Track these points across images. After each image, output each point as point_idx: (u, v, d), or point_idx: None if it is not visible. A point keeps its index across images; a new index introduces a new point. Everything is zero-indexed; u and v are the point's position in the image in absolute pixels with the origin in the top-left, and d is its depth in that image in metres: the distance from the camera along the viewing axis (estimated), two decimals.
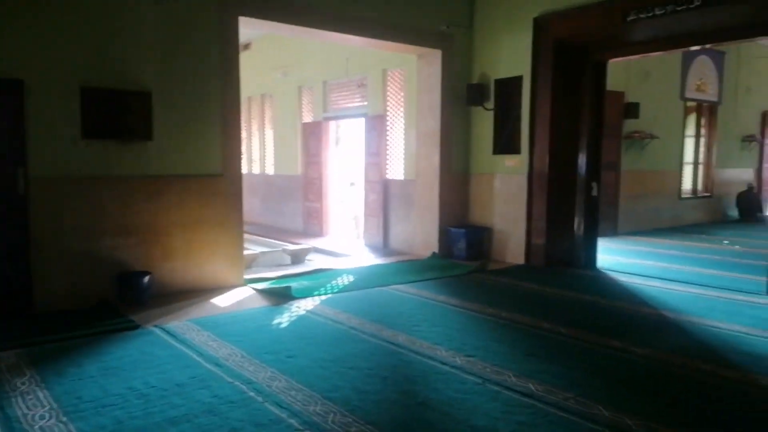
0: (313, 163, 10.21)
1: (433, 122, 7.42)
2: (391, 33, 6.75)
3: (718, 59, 11.60)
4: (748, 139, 12.71)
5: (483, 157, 7.43)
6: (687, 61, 10.92)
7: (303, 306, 4.97)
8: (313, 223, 10.28)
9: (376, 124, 8.63)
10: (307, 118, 10.48)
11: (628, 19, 5.74)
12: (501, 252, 7.22)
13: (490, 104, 7.28)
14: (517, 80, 6.94)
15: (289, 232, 10.44)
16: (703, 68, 11.32)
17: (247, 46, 11.22)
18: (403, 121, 8.27)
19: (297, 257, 7.57)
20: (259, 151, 11.91)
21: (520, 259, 6.95)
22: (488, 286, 5.79)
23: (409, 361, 3.61)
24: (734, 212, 12.31)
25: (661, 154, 10.59)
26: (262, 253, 7.62)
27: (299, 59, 10.38)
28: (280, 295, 5.29)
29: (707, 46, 7.73)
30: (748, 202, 12.20)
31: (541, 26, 6.59)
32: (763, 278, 5.96)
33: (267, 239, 9.29)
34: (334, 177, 10.18)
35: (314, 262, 7.55)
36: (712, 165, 11.95)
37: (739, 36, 5.55)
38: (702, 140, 11.88)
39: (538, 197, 6.74)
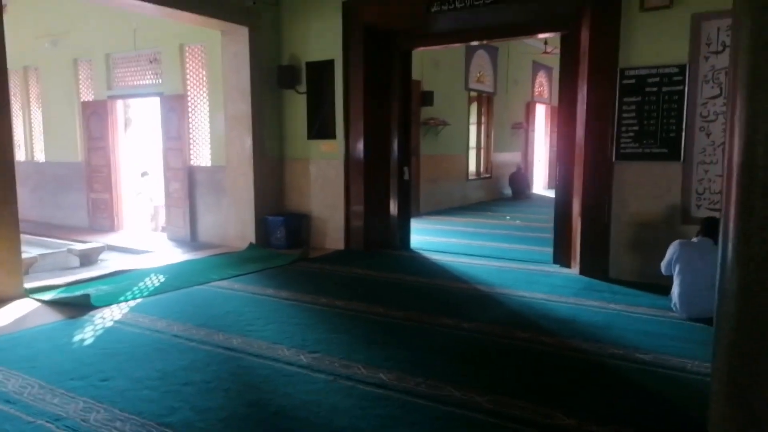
0: (97, 149, 8.93)
1: (243, 105, 6.98)
2: (187, 2, 6.12)
3: (493, 54, 12.98)
4: (516, 126, 14.53)
5: (298, 142, 7.23)
6: (469, 54, 12.00)
7: (108, 316, 4.28)
8: (101, 216, 9.04)
9: (175, 105, 7.84)
10: (87, 96, 9.11)
11: (432, 10, 6.01)
12: (321, 238, 7.14)
13: (303, 87, 7.09)
14: (329, 64, 6.86)
15: (71, 228, 9.03)
16: (481, 62, 12.56)
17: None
18: (208, 103, 7.64)
19: (87, 258, 6.56)
20: (25, 135, 10.05)
21: (339, 245, 6.95)
22: (314, 275, 5.66)
23: (250, 367, 3.31)
24: (508, 191, 14.02)
25: (452, 140, 11.53)
26: (42, 255, 6.45)
27: (73, 26, 8.94)
28: (77, 306, 4.49)
29: (495, 40, 8.49)
30: (518, 181, 13.99)
31: (350, 10, 6.58)
32: (547, 249, 6.85)
33: (44, 238, 7.91)
34: (126, 164, 9.04)
35: (110, 262, 6.62)
36: (491, 149, 13.41)
37: (525, 32, 6.20)
38: (483, 127, 13.23)
39: (356, 182, 6.79)
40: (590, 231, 5.36)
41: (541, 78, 15.84)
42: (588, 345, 3.60)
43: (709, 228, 4.11)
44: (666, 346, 3.55)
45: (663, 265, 4.31)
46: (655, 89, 4.96)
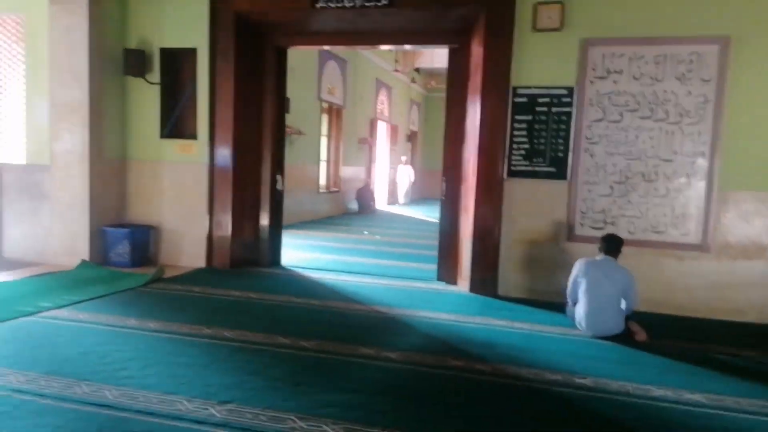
0: None
1: (77, 91, 5.71)
2: None
3: (343, 67, 12.81)
4: (362, 141, 14.52)
5: (147, 141, 6.14)
6: (321, 63, 11.65)
7: None
8: None
9: None
10: None
11: (317, 5, 5.53)
12: (174, 255, 6.11)
13: (155, 77, 6.05)
14: (190, 53, 5.95)
15: None
16: (332, 73, 12.29)
17: None
18: (24, 86, 6.14)
19: None
20: None
21: (199, 262, 6.01)
22: (182, 299, 4.73)
23: None
24: (354, 205, 13.89)
25: (305, 150, 11.01)
26: None
27: None
28: None
29: (378, 46, 8.19)
30: (364, 196, 13.95)
31: None
32: (422, 264, 6.72)
33: None
34: None
35: None
36: (339, 163, 13.16)
37: (415, 41, 6.00)
38: (333, 140, 12.94)
39: (222, 190, 5.94)
40: (481, 248, 5.29)
41: (383, 96, 16.11)
42: (525, 371, 3.39)
43: (611, 246, 4.24)
44: (596, 368, 3.49)
45: (569, 284, 4.33)
46: (545, 109, 5.08)
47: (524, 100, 5.11)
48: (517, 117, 5.14)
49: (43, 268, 5.68)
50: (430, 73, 17.78)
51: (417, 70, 17.40)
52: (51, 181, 5.90)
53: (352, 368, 3.33)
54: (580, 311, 4.19)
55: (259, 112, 6.15)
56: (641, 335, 4.05)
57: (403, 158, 17.42)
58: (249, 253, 6.18)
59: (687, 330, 4.44)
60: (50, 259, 5.91)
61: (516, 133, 5.16)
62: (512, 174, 5.19)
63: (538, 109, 5.09)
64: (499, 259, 5.27)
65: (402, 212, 14.67)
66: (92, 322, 3.95)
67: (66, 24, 5.68)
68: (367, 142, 14.85)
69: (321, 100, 11.76)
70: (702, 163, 4.78)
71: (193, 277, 5.57)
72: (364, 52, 13.90)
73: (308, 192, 11.40)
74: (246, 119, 6.02)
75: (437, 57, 15.86)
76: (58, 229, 5.89)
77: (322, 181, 12.43)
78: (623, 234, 4.76)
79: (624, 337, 4.07)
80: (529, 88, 5.10)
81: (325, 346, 3.66)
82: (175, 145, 6.07)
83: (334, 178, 13.08)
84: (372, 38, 6.02)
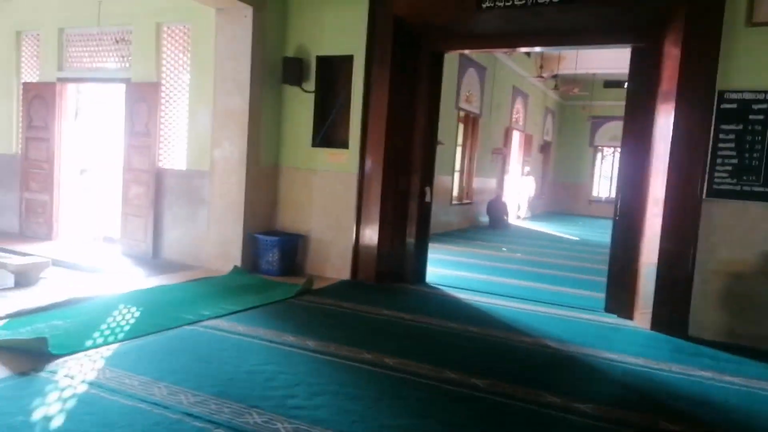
0: (38, 140, 7.38)
1: (239, 99, 5.77)
2: None
3: (482, 74, 12.31)
4: (496, 151, 13.89)
5: (299, 149, 6.08)
6: (461, 70, 11.24)
7: (77, 372, 2.98)
8: (37, 222, 7.44)
9: (146, 95, 6.49)
10: (31, 76, 7.56)
11: (484, 5, 5.11)
12: (320, 265, 5.98)
13: (311, 85, 5.97)
14: (347, 60, 5.79)
15: None
16: (471, 80, 11.84)
17: None
18: (188, 94, 6.35)
19: (25, 276, 5.09)
20: None
21: (344, 274, 5.81)
22: (334, 315, 4.50)
23: None
24: (485, 218, 13.28)
25: (440, 160, 10.63)
26: None
27: None
28: (27, 353, 3.15)
29: (549, 48, 7.64)
30: (497, 209, 13.29)
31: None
32: (582, 291, 6.02)
33: None
34: (71, 160, 7.52)
35: (54, 282, 5.18)
36: (473, 174, 12.65)
37: (592, 41, 5.40)
38: (467, 150, 12.47)
39: (371, 201, 5.71)
40: (668, 279, 4.54)
41: (518, 104, 15.37)
42: None
43: None
44: None
45: None
46: (761, 117, 4.24)
47: (733, 106, 4.31)
48: (723, 126, 4.35)
49: (198, 272, 5.78)
50: (573, 79, 16.71)
51: (555, 76, 16.45)
52: (209, 186, 6.02)
53: (539, 420, 2.82)
54: None
55: (411, 121, 5.84)
56: None
57: (526, 169, 16.46)
58: (394, 268, 5.87)
59: None
60: (204, 263, 6.02)
61: (721, 145, 4.36)
62: (714, 194, 4.40)
63: (752, 117, 4.26)
64: (692, 294, 4.48)
65: (536, 227, 13.81)
66: (252, 336, 3.81)
67: (231, 33, 5.76)
68: (502, 152, 14.19)
69: (459, 108, 11.35)
70: None
71: (341, 290, 5.36)
72: (503, 58, 13.31)
73: (441, 204, 11.01)
74: (398, 128, 5.74)
75: (581, 61, 14.82)
76: (213, 234, 5.99)
77: (455, 192, 11.99)
78: None
79: None
80: (741, 92, 4.28)
81: (500, 386, 3.19)
82: (326, 154, 5.94)
83: (466, 189, 12.59)
84: (542, 39, 5.48)
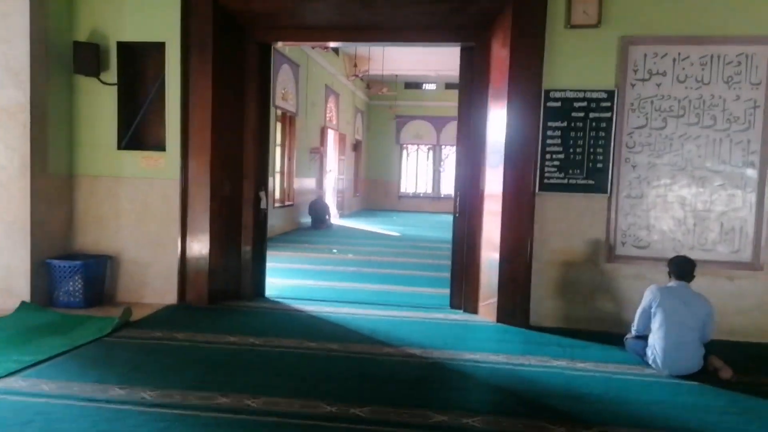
0: None
1: (15, 92, 4.59)
2: None
3: (296, 71, 11.94)
4: (314, 151, 13.65)
5: (101, 152, 5.07)
6: (276, 67, 10.73)
7: None
8: None
9: None
10: None
11: None
12: (137, 290, 5.06)
13: (111, 76, 5.01)
14: (157, 48, 4.97)
15: None
16: (286, 77, 11.40)
17: None
18: None
19: None
20: None
21: (169, 297, 5.00)
22: (167, 352, 3.75)
23: None
24: (307, 219, 12.97)
25: None
26: None
27: None
28: None
29: (380, 43, 7.43)
30: (319, 210, 13.06)
31: None
32: (425, 289, 6.03)
33: None
34: None
35: None
36: (293, 174, 12.23)
37: (423, 38, 5.29)
38: (286, 150, 12.00)
39: (198, 210, 4.98)
40: (508, 272, 4.68)
41: (331, 103, 15.32)
42: None
43: (684, 270, 3.74)
44: (712, 421, 2.94)
45: (638, 314, 3.80)
46: (581, 114, 4.56)
47: (558, 104, 4.57)
48: (550, 124, 4.59)
49: None
50: (380, 80, 17.18)
51: (364, 76, 16.78)
52: None
53: None
54: (655, 347, 3.65)
55: (240, 119, 5.24)
56: (726, 372, 3.55)
57: (329, 169, 16.36)
58: (230, 284, 5.24)
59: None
60: None
61: (549, 141, 4.60)
62: (545, 188, 4.63)
63: (574, 114, 4.56)
64: (531, 285, 4.67)
65: (355, 225, 13.91)
66: (65, 395, 2.95)
67: (1, 10, 4.56)
68: (319, 151, 14.00)
69: (276, 106, 10.83)
70: (752, 173, 4.42)
71: (168, 317, 4.58)
72: (315, 56, 13.10)
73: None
74: (225, 127, 5.10)
75: (389, 62, 15.28)
76: None
77: (276, 194, 11.46)
78: (669, 253, 4.30)
79: (704, 375, 3.57)
80: (564, 91, 4.56)
81: (384, 413, 2.87)
82: (137, 158, 5.04)
83: (287, 190, 12.13)
84: (374, 34, 5.27)
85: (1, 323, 4.20)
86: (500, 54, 4.72)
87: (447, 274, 5.35)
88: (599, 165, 4.57)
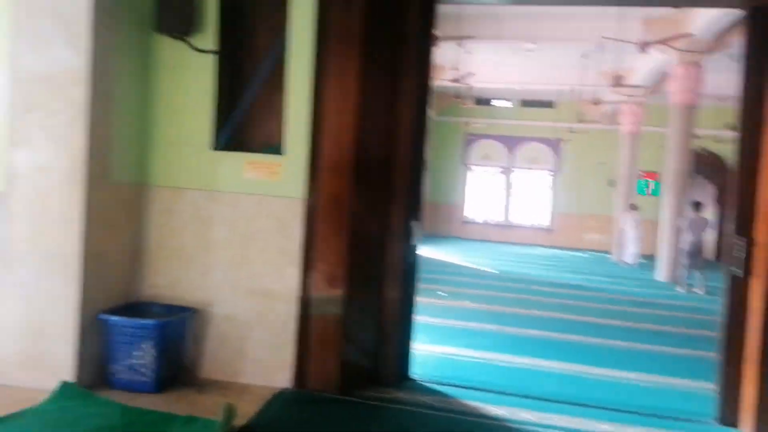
0: None
1: (65, 52, 2.96)
2: None
3: None
4: None
5: (187, 153, 3.39)
6: None
7: None
8: None
9: None
10: None
11: None
12: (230, 362, 3.33)
13: (208, 39, 3.36)
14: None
15: None
16: None
17: None
18: None
19: None
20: None
21: (280, 378, 3.25)
22: None
23: None
24: None
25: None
26: None
27: None
28: None
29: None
30: None
31: None
32: (634, 374, 4.21)
33: None
34: None
35: None
36: None
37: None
38: None
39: (331, 246, 3.26)
40: None
41: None
42: None
43: None
44: None
45: None
46: None
47: None
48: None
49: None
50: (454, 93, 15.43)
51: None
52: (6, 222, 3.05)
53: None
54: None
55: (392, 115, 3.52)
56: None
57: None
58: (366, 359, 3.47)
59: None
60: None
61: None
62: None
63: None
64: None
65: (433, 255, 12.02)
66: None
67: None
68: None
69: None
70: None
71: (284, 420, 2.83)
72: None
73: None
74: (373, 124, 3.40)
75: (466, 73, 13.50)
76: (13, 315, 3.03)
77: None
78: None
79: None
80: None
81: None
82: (240, 163, 3.35)
83: None
84: None
85: (26, 420, 2.50)
86: None
87: (636, 345, 3.57)
88: None
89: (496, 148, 17.74)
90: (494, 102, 17.47)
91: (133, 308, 3.22)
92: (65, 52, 2.96)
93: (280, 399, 3.10)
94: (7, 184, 3.02)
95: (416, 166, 3.60)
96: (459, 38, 9.20)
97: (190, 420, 2.67)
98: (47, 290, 2.99)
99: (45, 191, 2.99)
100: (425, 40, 3.59)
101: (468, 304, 6.60)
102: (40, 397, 2.75)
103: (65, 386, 2.85)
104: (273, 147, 3.35)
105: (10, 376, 3.00)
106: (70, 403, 2.73)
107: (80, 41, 2.94)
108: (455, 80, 11.22)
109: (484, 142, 17.75)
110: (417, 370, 3.69)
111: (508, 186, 17.84)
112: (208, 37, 3.35)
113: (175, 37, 3.30)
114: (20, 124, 3.02)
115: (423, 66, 3.60)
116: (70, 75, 2.96)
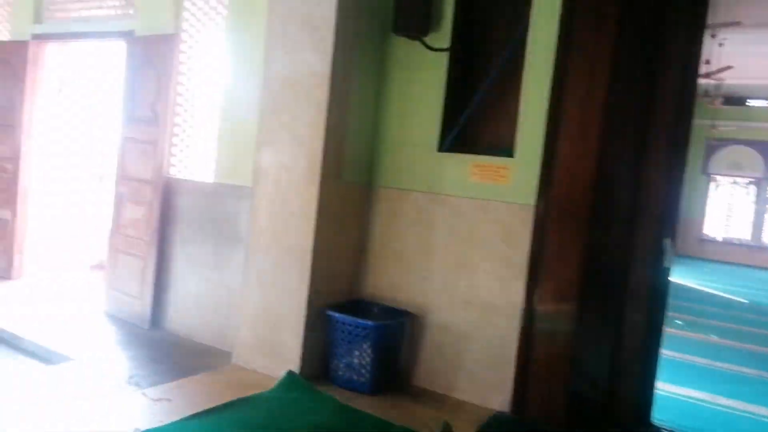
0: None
1: (313, 56, 3.08)
2: None
3: None
4: None
5: (414, 154, 3.33)
6: None
7: None
8: None
9: (155, 55, 3.91)
10: None
11: None
12: (444, 374, 3.18)
13: (442, 38, 3.24)
14: None
15: None
16: None
17: None
18: (221, 55, 3.72)
19: None
20: None
21: (496, 398, 2.99)
22: None
23: None
24: None
25: None
26: None
27: None
28: None
29: None
30: None
31: None
32: None
33: None
34: (48, 159, 5.01)
35: None
36: None
37: None
38: None
39: (563, 258, 2.90)
40: None
41: None
42: None
43: None
44: None
45: None
46: None
47: None
48: None
49: (223, 375, 3.09)
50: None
51: None
52: (253, 214, 3.32)
53: None
54: None
55: (645, 116, 3.03)
56: None
57: None
58: (598, 390, 3.04)
59: None
60: (234, 353, 3.32)
61: None
62: None
63: None
64: None
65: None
66: None
67: None
68: None
69: None
70: None
71: None
72: None
73: None
74: (621, 126, 2.95)
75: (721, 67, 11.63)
76: (252, 303, 3.28)
77: None
78: None
79: None
80: None
81: None
82: (465, 166, 3.17)
83: None
84: None
85: (251, 407, 2.64)
86: None
87: None
88: None
89: (748, 155, 15.09)
90: (749, 102, 14.87)
91: (355, 307, 3.25)
92: (312, 56, 3.08)
93: (498, 422, 2.84)
94: (254, 180, 3.27)
95: (673, 171, 3.04)
96: (720, 26, 7.88)
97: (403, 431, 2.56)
98: (283, 282, 3.16)
99: (285, 188, 3.16)
100: (694, 28, 3.01)
101: (713, 338, 5.57)
102: (270, 384, 2.90)
103: (290, 376, 2.97)
104: (501, 149, 3.11)
105: (249, 361, 3.24)
106: (294, 395, 2.82)
107: (325, 45, 3.04)
108: (705, 75, 9.69)
109: (732, 148, 15.22)
110: (658, 414, 3.13)
111: (761, 200, 15.04)
112: (443, 35, 3.23)
113: (412, 37, 3.25)
114: (268, 125, 3.24)
115: (690, 61, 3.02)
116: (313, 78, 3.08)
